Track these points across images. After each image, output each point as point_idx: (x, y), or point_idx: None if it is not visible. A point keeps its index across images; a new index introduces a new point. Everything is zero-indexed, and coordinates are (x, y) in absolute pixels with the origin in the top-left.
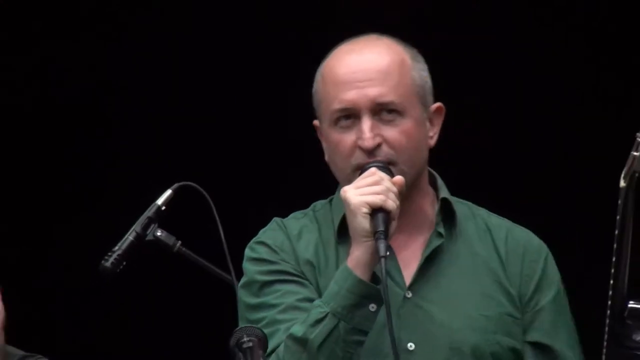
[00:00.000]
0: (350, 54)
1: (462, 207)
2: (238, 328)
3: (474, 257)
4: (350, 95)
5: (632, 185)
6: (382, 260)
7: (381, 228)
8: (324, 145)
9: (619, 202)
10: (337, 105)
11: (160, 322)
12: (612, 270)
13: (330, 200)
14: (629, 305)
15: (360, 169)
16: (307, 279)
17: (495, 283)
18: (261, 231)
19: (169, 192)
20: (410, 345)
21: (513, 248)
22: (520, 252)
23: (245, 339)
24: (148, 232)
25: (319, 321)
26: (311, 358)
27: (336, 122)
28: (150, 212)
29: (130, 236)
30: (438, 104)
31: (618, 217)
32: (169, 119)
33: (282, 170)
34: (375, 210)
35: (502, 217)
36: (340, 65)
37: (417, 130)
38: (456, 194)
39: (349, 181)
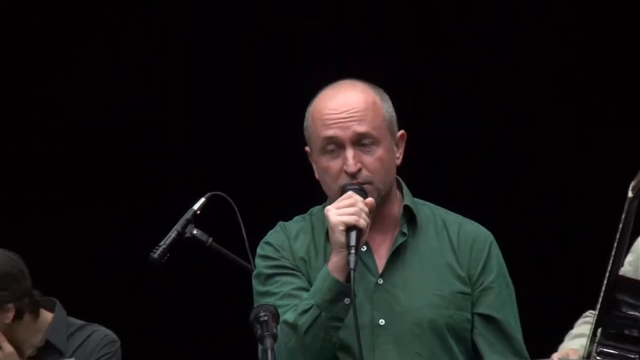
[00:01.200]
0: (333, 98)
1: (424, 209)
2: (256, 306)
3: (431, 249)
4: (336, 131)
5: (638, 198)
6: (352, 272)
7: (352, 244)
8: (315, 167)
9: (625, 209)
10: (325, 139)
11: (194, 303)
12: (611, 261)
13: (323, 207)
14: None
15: (342, 190)
16: (301, 272)
17: (448, 268)
18: (268, 233)
19: (202, 199)
20: (381, 321)
21: (464, 239)
22: (469, 242)
23: (261, 314)
24: (186, 231)
25: (305, 311)
26: (299, 339)
27: (325, 151)
28: (188, 215)
29: (172, 234)
30: (401, 131)
31: (621, 224)
32: (203, 140)
33: (287, 183)
34: (350, 228)
35: (456, 214)
36: (326, 107)
37: (388, 156)
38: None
39: (337, 197)
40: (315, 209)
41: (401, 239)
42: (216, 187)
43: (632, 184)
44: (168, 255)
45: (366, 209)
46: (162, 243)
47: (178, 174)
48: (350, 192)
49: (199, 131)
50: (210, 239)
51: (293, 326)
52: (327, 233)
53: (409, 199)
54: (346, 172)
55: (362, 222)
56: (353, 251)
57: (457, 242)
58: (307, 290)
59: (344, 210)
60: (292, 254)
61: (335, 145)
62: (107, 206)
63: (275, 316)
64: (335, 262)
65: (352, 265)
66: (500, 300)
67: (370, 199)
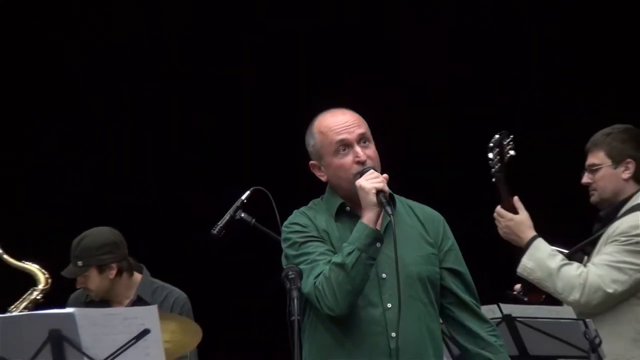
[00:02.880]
0: (334, 116)
1: (398, 198)
2: (285, 267)
3: (408, 225)
4: (345, 135)
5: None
6: (392, 217)
7: (385, 201)
8: (326, 170)
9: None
10: (338, 142)
11: (240, 266)
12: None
13: (322, 199)
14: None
15: (360, 173)
16: (325, 240)
17: (421, 237)
18: (290, 217)
19: (248, 192)
20: (384, 275)
21: (426, 217)
22: (430, 219)
23: (290, 273)
24: (237, 214)
25: (350, 253)
26: (347, 274)
27: (338, 152)
28: (238, 202)
29: (227, 216)
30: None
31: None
32: (248, 151)
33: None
34: (379, 191)
35: (412, 201)
36: (332, 122)
37: (376, 153)
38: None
39: (352, 183)
40: (315, 200)
41: (387, 219)
42: (257, 183)
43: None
44: (224, 231)
45: (385, 180)
46: (219, 223)
47: (232, 174)
48: (372, 170)
49: (244, 143)
50: (253, 220)
51: (341, 265)
52: (335, 214)
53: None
54: (358, 162)
55: (386, 187)
56: (389, 203)
57: (423, 219)
58: (333, 251)
59: (373, 180)
60: (316, 229)
61: (345, 146)
62: (185, 194)
63: (300, 274)
64: (369, 217)
65: (390, 212)
66: (459, 258)
67: (386, 175)
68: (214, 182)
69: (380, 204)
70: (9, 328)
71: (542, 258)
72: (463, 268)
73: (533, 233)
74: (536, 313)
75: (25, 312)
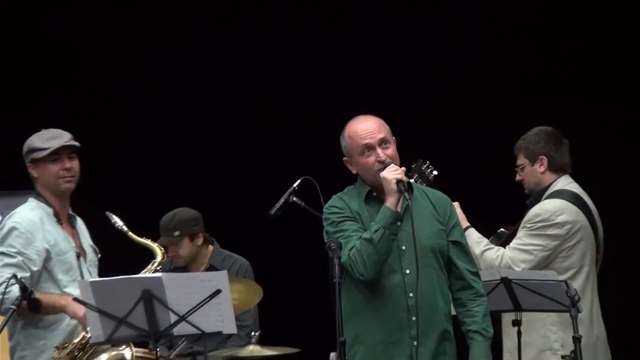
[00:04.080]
0: (360, 123)
1: (415, 185)
2: (327, 240)
3: (422, 207)
4: (369, 140)
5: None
6: (409, 202)
7: (404, 189)
8: (355, 166)
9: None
10: (363, 146)
11: (291, 239)
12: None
13: (354, 186)
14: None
15: (383, 167)
16: (357, 219)
17: (433, 216)
18: (330, 201)
19: (298, 180)
20: (403, 247)
21: (437, 200)
22: (440, 201)
23: (332, 244)
24: (289, 198)
25: (376, 231)
26: (374, 247)
27: (363, 153)
28: (290, 189)
29: (282, 199)
30: (394, 137)
31: None
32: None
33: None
34: (398, 181)
35: (428, 187)
36: (359, 129)
37: (395, 151)
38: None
39: (375, 177)
40: (350, 187)
41: (405, 203)
42: (306, 174)
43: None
44: (279, 212)
45: (403, 172)
46: (276, 205)
47: (288, 169)
48: (392, 164)
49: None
50: (303, 203)
51: (370, 240)
52: (365, 198)
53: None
54: (379, 161)
55: (404, 177)
56: (407, 190)
57: (435, 201)
58: (363, 229)
59: (394, 172)
60: (350, 210)
61: (369, 149)
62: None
63: (340, 246)
64: (391, 201)
65: (407, 197)
66: (460, 232)
67: (404, 167)
68: (270, 169)
69: (399, 191)
70: (110, 289)
71: (471, 245)
72: (464, 240)
73: (466, 224)
74: (528, 276)
75: (123, 277)
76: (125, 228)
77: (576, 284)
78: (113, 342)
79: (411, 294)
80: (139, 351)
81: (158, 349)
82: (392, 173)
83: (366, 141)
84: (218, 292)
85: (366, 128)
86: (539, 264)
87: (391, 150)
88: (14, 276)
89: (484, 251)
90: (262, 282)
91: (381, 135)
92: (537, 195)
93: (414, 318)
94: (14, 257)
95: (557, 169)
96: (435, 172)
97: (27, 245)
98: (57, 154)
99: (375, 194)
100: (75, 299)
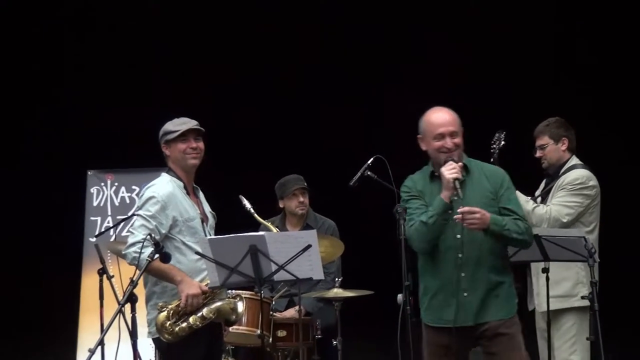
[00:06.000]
0: (437, 112)
1: (471, 162)
2: (397, 205)
3: (477, 182)
4: (442, 129)
5: None
6: (460, 199)
7: (458, 186)
8: (426, 145)
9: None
10: (437, 134)
11: (366, 205)
12: None
13: (427, 165)
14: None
15: (444, 162)
16: (421, 197)
17: (486, 189)
18: (405, 181)
19: (372, 158)
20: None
21: (490, 174)
22: (493, 174)
23: (399, 208)
24: (365, 172)
25: (432, 216)
26: (429, 229)
27: (435, 138)
28: (366, 165)
29: (359, 173)
30: (462, 128)
31: None
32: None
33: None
34: (454, 180)
35: (482, 162)
36: (435, 118)
37: (462, 140)
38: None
39: (440, 164)
40: (424, 167)
41: (463, 182)
42: (378, 153)
43: None
44: (357, 183)
45: (459, 168)
46: (355, 176)
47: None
48: (451, 161)
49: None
50: (376, 176)
51: (425, 223)
52: (429, 178)
53: (466, 160)
54: (447, 147)
55: (460, 175)
56: (460, 187)
57: (488, 175)
58: (426, 205)
59: (451, 170)
60: (416, 189)
61: (441, 136)
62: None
63: (405, 210)
64: (445, 194)
65: (461, 195)
66: (508, 199)
67: (460, 163)
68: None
69: (454, 188)
70: (224, 245)
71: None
72: (511, 205)
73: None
74: (554, 233)
75: (234, 234)
76: (252, 210)
77: (593, 236)
78: (227, 287)
79: (460, 255)
80: (247, 293)
81: (262, 292)
82: (450, 171)
83: (440, 130)
84: (309, 246)
85: (442, 118)
86: (576, 218)
87: (457, 140)
88: (149, 235)
89: (534, 208)
90: (346, 239)
91: (452, 128)
92: (557, 168)
93: (463, 274)
94: (149, 220)
95: (572, 149)
96: (503, 142)
97: (160, 211)
98: (185, 136)
99: (437, 174)
100: (197, 253)
